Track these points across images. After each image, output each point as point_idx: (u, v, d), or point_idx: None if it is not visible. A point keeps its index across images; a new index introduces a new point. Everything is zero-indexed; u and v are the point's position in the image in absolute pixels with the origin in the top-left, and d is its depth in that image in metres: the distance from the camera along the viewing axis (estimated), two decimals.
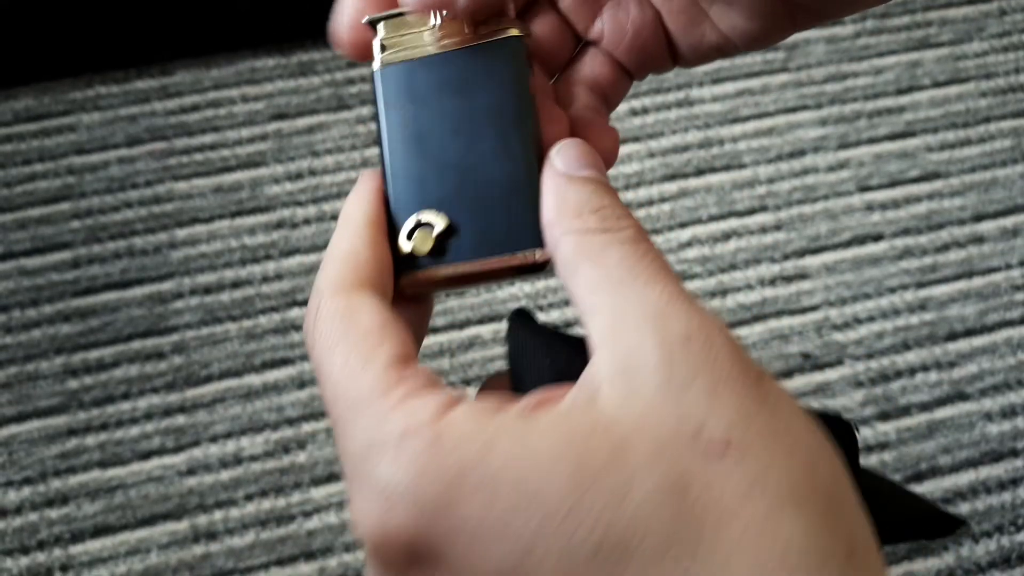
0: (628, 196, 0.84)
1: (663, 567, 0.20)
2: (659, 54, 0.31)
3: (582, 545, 0.20)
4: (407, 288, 0.26)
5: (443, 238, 0.26)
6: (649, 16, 0.31)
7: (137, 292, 0.79)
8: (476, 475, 0.21)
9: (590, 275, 0.24)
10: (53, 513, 0.71)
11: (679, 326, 0.22)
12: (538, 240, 0.26)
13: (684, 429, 0.21)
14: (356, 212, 0.27)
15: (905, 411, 0.75)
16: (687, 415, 0.21)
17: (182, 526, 0.70)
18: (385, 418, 0.22)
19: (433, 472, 0.21)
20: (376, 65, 0.28)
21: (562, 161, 0.26)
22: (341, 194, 0.84)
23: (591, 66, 0.32)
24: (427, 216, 0.27)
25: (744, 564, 0.20)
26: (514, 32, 0.28)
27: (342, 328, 0.24)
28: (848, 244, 0.82)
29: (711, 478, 0.21)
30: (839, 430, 0.26)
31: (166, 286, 0.80)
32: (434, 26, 0.28)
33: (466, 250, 0.26)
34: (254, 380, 0.76)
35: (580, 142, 0.26)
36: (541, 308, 0.79)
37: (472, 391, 0.71)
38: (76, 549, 0.69)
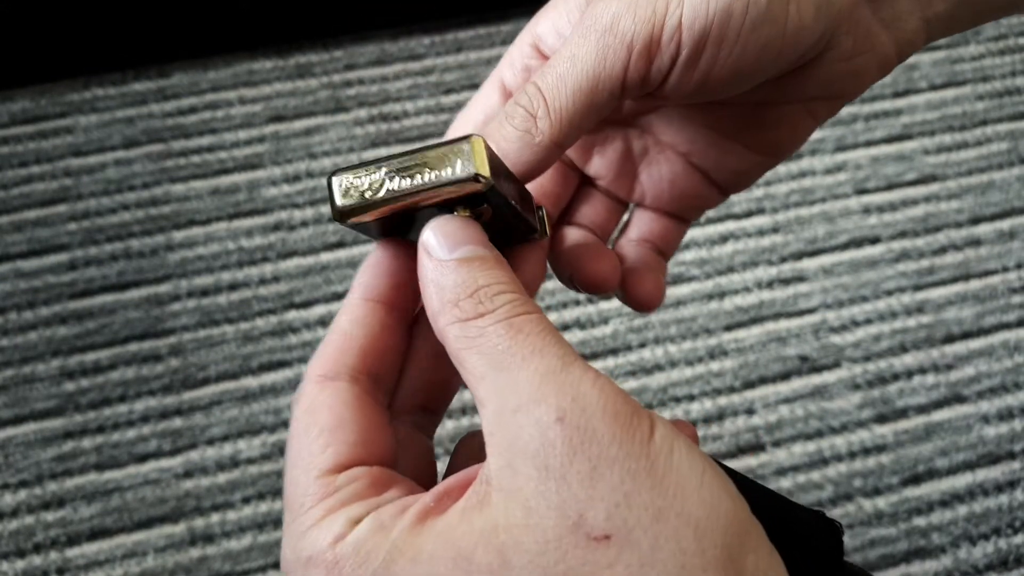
0: None
1: None
2: (702, 192, 0.33)
3: None
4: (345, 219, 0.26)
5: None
6: (680, 166, 0.33)
7: (134, 294, 0.79)
8: None
9: (474, 364, 0.23)
10: (49, 516, 0.70)
11: (551, 408, 0.22)
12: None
13: (564, 523, 0.21)
14: (357, 287, 0.27)
15: (902, 414, 0.75)
16: (566, 506, 0.21)
17: (179, 529, 0.70)
18: (302, 536, 0.24)
19: None
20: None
21: (435, 244, 0.25)
22: None
23: (639, 224, 0.34)
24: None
25: None
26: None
27: (304, 423, 0.26)
28: (845, 247, 0.82)
29: (593, 571, 0.20)
30: (823, 528, 0.25)
31: (163, 288, 0.79)
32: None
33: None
34: (251, 382, 0.75)
35: (450, 219, 0.25)
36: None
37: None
38: (72, 552, 0.69)
